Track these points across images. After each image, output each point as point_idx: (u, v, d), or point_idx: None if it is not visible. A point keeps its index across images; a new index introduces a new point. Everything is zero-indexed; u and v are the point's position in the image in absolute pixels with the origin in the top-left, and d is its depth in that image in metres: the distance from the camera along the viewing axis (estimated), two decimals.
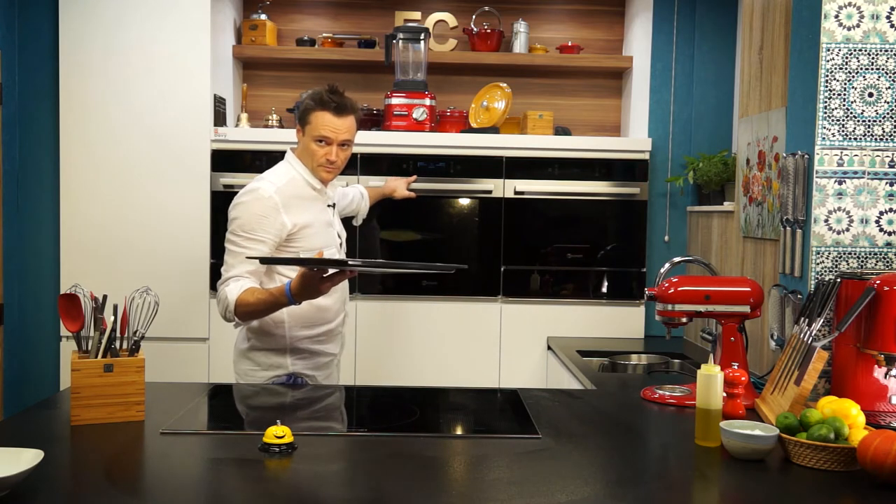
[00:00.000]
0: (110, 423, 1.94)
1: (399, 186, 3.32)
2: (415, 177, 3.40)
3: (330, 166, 2.49)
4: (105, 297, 2.03)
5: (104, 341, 1.97)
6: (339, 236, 2.64)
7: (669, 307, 2.33)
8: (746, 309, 2.31)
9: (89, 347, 2.00)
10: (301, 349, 2.53)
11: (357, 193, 3.10)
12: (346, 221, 3.05)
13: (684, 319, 2.33)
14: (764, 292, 2.45)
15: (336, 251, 2.58)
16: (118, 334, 2.01)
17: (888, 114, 2.28)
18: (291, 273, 2.43)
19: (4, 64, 3.53)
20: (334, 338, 2.63)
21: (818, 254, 2.30)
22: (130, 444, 1.84)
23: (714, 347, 2.38)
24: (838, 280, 2.14)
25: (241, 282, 2.37)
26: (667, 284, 2.34)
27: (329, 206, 2.60)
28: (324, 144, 2.46)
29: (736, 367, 2.07)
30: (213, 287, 3.50)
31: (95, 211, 3.49)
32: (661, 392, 2.34)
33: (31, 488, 1.54)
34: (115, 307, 2.00)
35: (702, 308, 2.31)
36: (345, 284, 2.63)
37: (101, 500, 1.51)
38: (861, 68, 2.28)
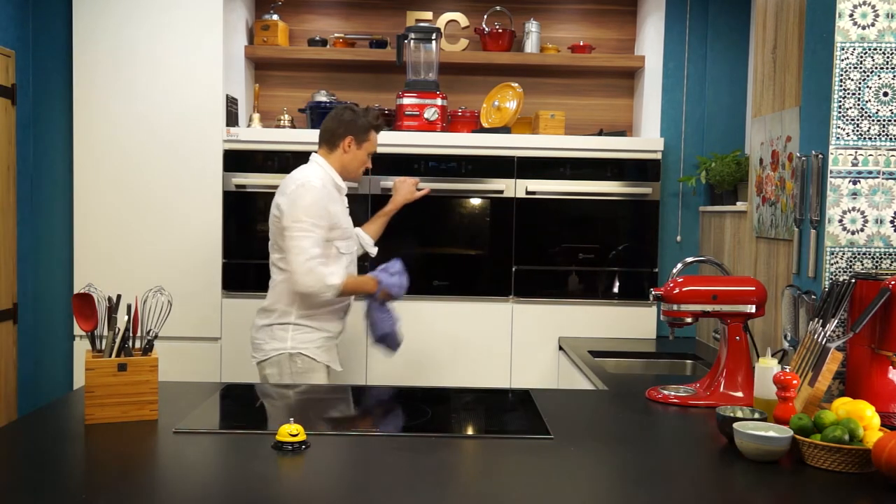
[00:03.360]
0: (124, 422, 1.95)
1: (409, 192, 3.27)
2: (417, 180, 3.33)
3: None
4: (119, 296, 2.04)
5: (118, 341, 1.98)
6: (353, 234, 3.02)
7: (675, 307, 2.32)
8: (751, 308, 2.31)
9: (103, 347, 2.01)
10: (301, 325, 2.80)
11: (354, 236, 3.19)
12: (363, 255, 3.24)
13: (689, 320, 2.34)
14: (768, 292, 2.44)
15: (353, 242, 2.98)
16: (131, 334, 2.02)
17: None
18: (343, 248, 2.85)
19: (18, 64, 3.55)
20: (337, 318, 2.90)
21: (832, 254, 2.29)
22: (144, 442, 1.85)
23: (720, 346, 2.38)
24: (853, 280, 2.12)
25: (321, 261, 2.73)
26: (672, 285, 2.33)
27: (345, 206, 2.96)
28: (369, 157, 2.96)
29: (787, 370, 1.98)
30: (226, 287, 3.52)
31: (109, 210, 3.50)
32: (665, 392, 2.34)
33: (45, 488, 1.55)
34: (129, 307, 2.01)
35: (708, 308, 2.31)
36: (353, 267, 2.98)
37: (115, 498, 1.51)
38: (876, 67, 2.26)
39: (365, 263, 3.52)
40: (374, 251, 3.20)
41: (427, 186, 3.36)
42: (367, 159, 2.96)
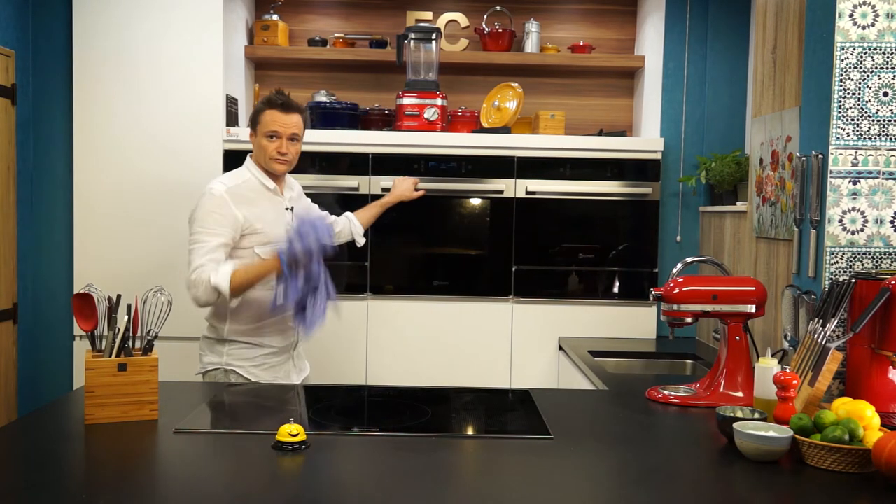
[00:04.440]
0: (124, 422, 1.95)
1: (408, 189, 3.25)
2: (417, 179, 3.29)
3: (282, 158, 2.68)
4: (119, 296, 2.04)
5: (118, 341, 1.98)
6: None
7: (675, 307, 2.32)
8: (751, 308, 2.31)
9: (103, 347, 2.01)
10: (236, 341, 2.66)
11: (344, 220, 3.11)
12: (351, 245, 3.13)
13: (689, 320, 2.33)
14: (768, 292, 2.44)
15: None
16: (131, 333, 2.02)
17: None
18: (266, 254, 2.59)
19: (18, 65, 3.55)
20: (279, 332, 2.71)
21: (832, 254, 2.29)
22: (144, 443, 1.85)
23: (720, 346, 2.38)
24: (853, 280, 2.13)
25: (211, 265, 2.50)
26: (672, 285, 2.33)
27: (287, 208, 2.74)
28: (274, 139, 2.66)
29: (787, 370, 1.99)
30: None
31: (109, 211, 3.50)
32: (665, 392, 2.34)
33: (45, 488, 1.55)
34: (129, 307, 2.01)
35: (708, 308, 2.30)
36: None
37: (115, 498, 1.51)
38: (876, 67, 2.26)
39: (360, 265, 3.52)
40: (361, 242, 3.13)
41: (425, 187, 3.35)
42: (271, 142, 2.64)
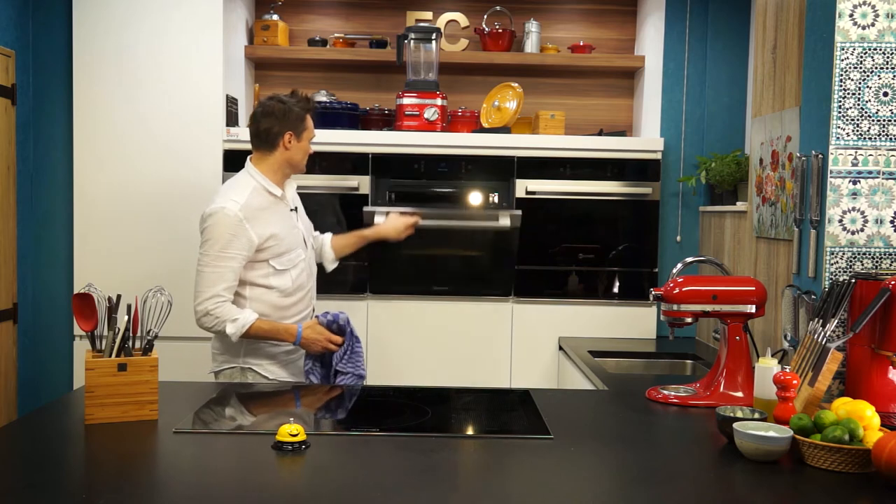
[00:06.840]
0: (124, 422, 1.95)
1: (395, 229, 3.10)
2: (412, 220, 3.15)
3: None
4: (119, 296, 2.04)
5: (118, 341, 1.98)
6: (304, 237, 2.78)
7: (675, 307, 2.32)
8: (751, 308, 2.31)
9: (103, 347, 2.01)
10: (254, 344, 2.65)
11: (320, 241, 3.01)
12: (320, 269, 3.00)
13: (689, 320, 2.34)
14: (768, 292, 2.44)
15: (302, 251, 2.73)
16: (131, 333, 2.02)
17: None
18: (262, 280, 2.62)
19: (18, 65, 3.55)
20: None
21: (832, 254, 2.29)
22: (144, 443, 1.85)
23: (719, 346, 2.38)
24: (853, 280, 2.12)
25: (227, 305, 2.55)
26: (672, 285, 2.33)
27: (291, 210, 2.76)
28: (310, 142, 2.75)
29: (787, 370, 1.99)
30: None
31: (109, 210, 3.50)
32: (665, 392, 2.34)
33: (45, 488, 1.55)
34: (129, 307, 2.01)
35: (708, 308, 2.31)
36: (312, 282, 2.81)
37: (115, 498, 1.51)
38: (876, 67, 2.26)
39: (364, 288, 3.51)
40: (330, 267, 3.02)
41: (417, 218, 3.18)
42: (310, 145, 2.74)
